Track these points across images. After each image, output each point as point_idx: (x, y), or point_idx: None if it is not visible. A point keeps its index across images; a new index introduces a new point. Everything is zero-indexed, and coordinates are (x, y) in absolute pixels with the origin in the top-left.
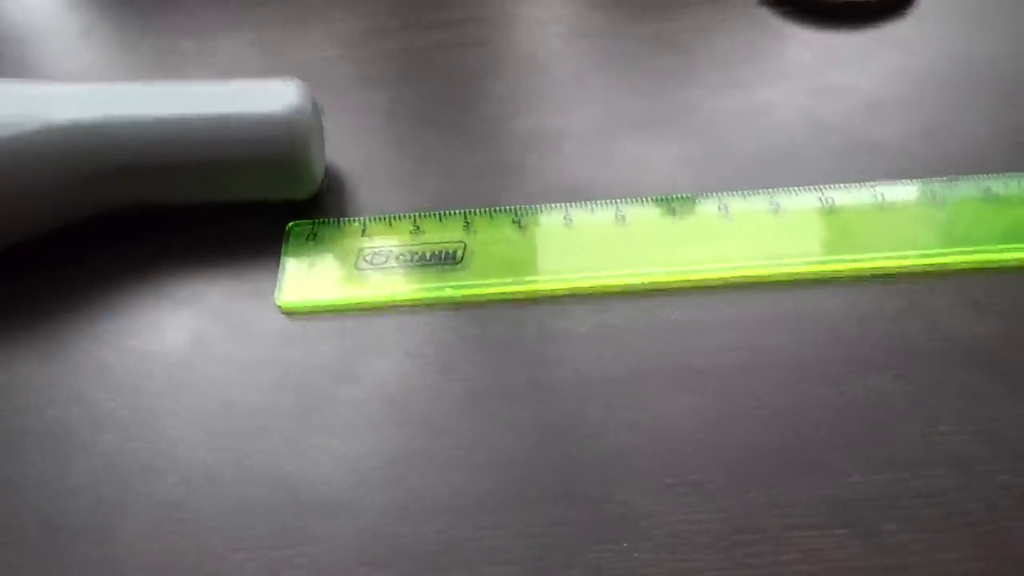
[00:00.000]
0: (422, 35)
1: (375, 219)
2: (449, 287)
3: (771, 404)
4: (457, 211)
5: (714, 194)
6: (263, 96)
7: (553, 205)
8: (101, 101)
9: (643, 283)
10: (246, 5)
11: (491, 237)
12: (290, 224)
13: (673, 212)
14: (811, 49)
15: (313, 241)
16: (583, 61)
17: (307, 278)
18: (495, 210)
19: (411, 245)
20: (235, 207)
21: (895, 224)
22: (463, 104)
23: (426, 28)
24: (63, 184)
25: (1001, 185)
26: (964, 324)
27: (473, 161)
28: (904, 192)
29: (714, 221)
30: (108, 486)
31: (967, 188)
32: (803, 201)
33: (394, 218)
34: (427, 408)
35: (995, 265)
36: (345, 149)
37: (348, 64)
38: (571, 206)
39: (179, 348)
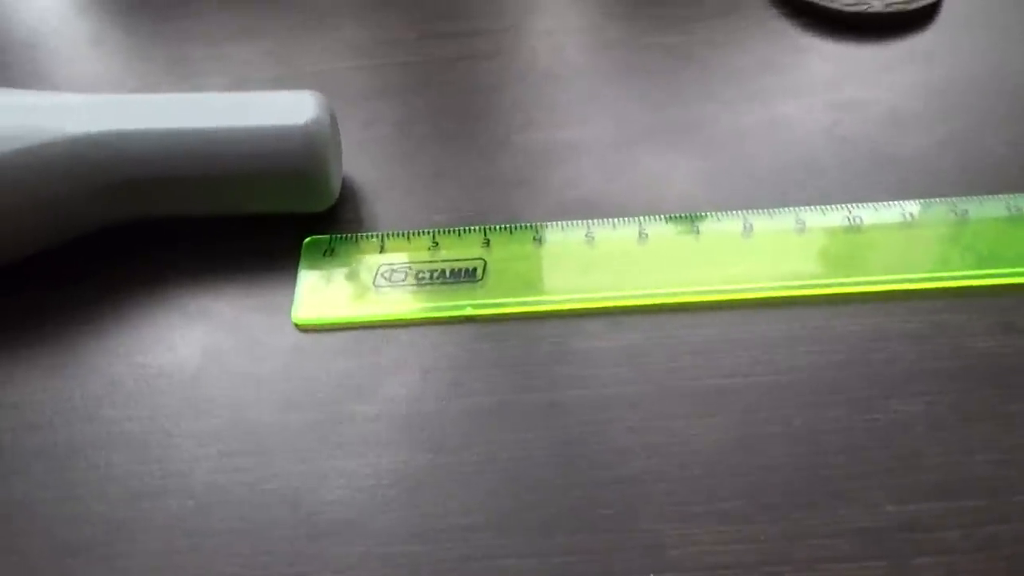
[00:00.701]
0: (435, 46)
1: (393, 235)
2: (469, 305)
3: (796, 428)
4: (476, 227)
5: (739, 212)
6: (281, 107)
7: (574, 222)
8: (115, 112)
9: (664, 302)
10: (257, 13)
11: (510, 254)
12: (307, 239)
13: (696, 230)
14: (831, 62)
15: (330, 256)
16: (598, 73)
17: (323, 294)
18: (515, 226)
19: (430, 262)
20: (250, 220)
21: (921, 243)
22: (477, 116)
23: (439, 39)
24: (76, 196)
25: None
26: (992, 346)
27: (488, 174)
28: (930, 210)
29: (737, 239)
30: (119, 507)
31: (993, 207)
32: (829, 219)
33: (412, 233)
34: (442, 427)
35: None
36: (359, 161)
37: (360, 74)
38: (592, 223)
39: (192, 364)
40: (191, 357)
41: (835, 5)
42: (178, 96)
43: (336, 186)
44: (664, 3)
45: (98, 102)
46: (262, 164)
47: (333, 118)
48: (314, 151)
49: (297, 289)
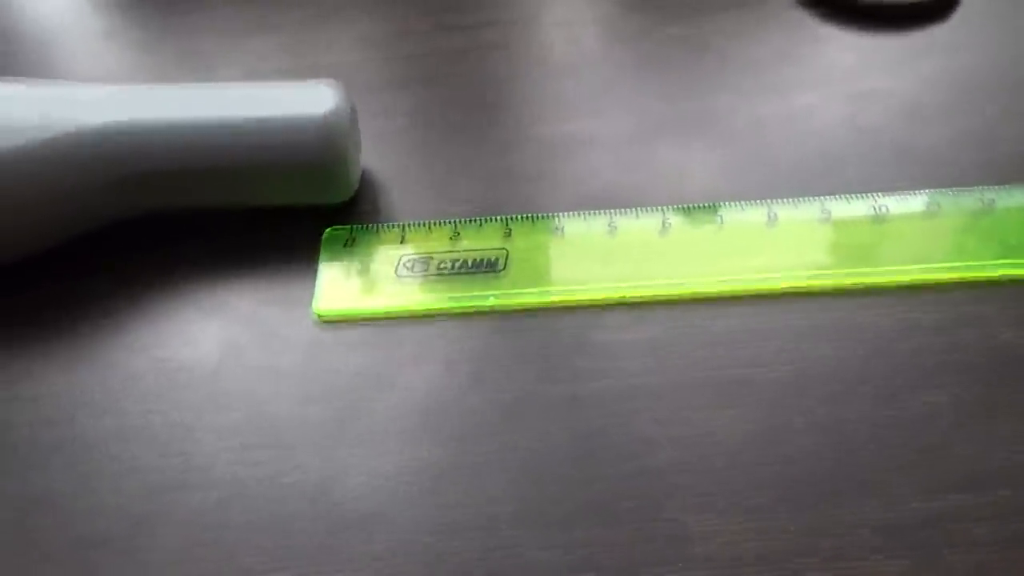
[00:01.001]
0: (448, 38)
1: (414, 225)
2: (492, 296)
3: (821, 420)
4: (497, 218)
5: (762, 202)
6: (299, 98)
7: (596, 212)
8: (133, 103)
9: (686, 293)
10: (269, 6)
11: (532, 244)
12: (327, 230)
13: (720, 220)
14: (850, 52)
15: (351, 247)
16: (614, 64)
17: (345, 285)
18: (536, 216)
19: (452, 252)
20: (267, 212)
21: (946, 233)
22: (491, 108)
23: (453, 30)
24: (91, 188)
25: None
26: (1018, 337)
27: (504, 166)
28: (955, 199)
29: (761, 229)
30: (139, 501)
31: (1019, 196)
32: (853, 209)
33: (433, 224)
34: (463, 419)
35: None
36: (375, 153)
37: (374, 66)
38: (615, 213)
39: (211, 358)
40: (210, 351)
41: None
42: (194, 87)
43: (356, 177)
44: None
45: (112, 93)
46: (280, 156)
47: (353, 109)
48: (333, 142)
49: (318, 281)
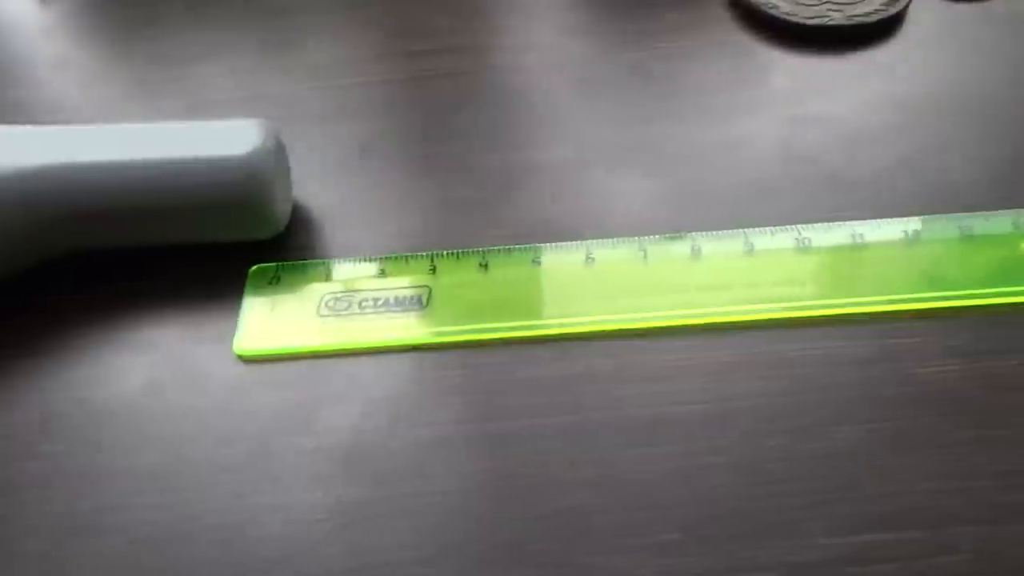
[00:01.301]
0: (397, 66)
1: (340, 261)
2: (412, 333)
3: (736, 457)
4: (423, 254)
5: (687, 235)
6: (224, 137)
7: (521, 246)
8: (57, 145)
9: (611, 328)
10: (222, 34)
11: (456, 280)
12: (253, 267)
13: (644, 253)
14: (792, 77)
15: (276, 284)
16: (559, 92)
17: (267, 324)
18: (461, 252)
19: (375, 290)
20: (195, 249)
21: (871, 265)
22: (437, 138)
23: (402, 58)
24: (18, 229)
25: (981, 223)
26: (939, 371)
27: (443, 198)
28: (881, 231)
29: (685, 263)
30: (54, 546)
31: (945, 227)
32: (777, 241)
33: (360, 260)
34: (380, 459)
35: (973, 309)
36: (315, 185)
37: (322, 94)
38: (540, 247)
39: (133, 399)
40: (133, 391)
41: (795, 18)
42: (122, 127)
43: (283, 214)
44: (628, 19)
45: (39, 134)
46: (204, 195)
47: (279, 146)
48: (257, 181)
49: (240, 319)
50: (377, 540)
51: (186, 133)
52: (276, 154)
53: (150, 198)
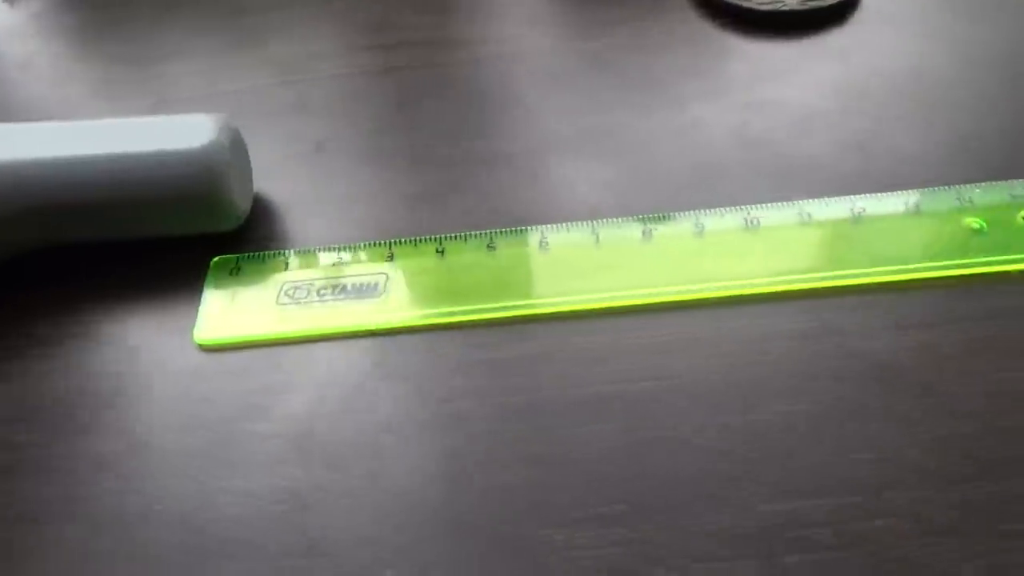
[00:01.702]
0: (358, 60)
1: (299, 252)
2: (369, 319)
3: (678, 432)
4: (381, 242)
5: (639, 218)
6: (181, 131)
7: (476, 233)
8: (14, 141)
9: (565, 310)
10: (187, 34)
11: (413, 267)
12: (214, 259)
13: (596, 237)
14: (748, 62)
15: (236, 275)
16: (517, 84)
17: (227, 313)
18: (419, 239)
19: (333, 278)
20: (157, 243)
21: (816, 242)
22: (396, 130)
23: (363, 52)
24: None
25: (927, 200)
26: (880, 344)
27: (405, 188)
28: (828, 209)
29: (636, 245)
30: (20, 531)
31: (892, 204)
32: (726, 222)
33: (319, 250)
34: (334, 442)
35: (916, 283)
36: (276, 178)
37: (282, 90)
38: (494, 233)
39: (97, 390)
40: (96, 383)
41: (750, 4)
42: (78, 123)
43: (243, 206)
44: (586, 9)
45: None
46: (162, 189)
47: (237, 139)
48: (212, 173)
49: (201, 309)
50: (331, 521)
51: (143, 128)
52: (232, 147)
53: (109, 193)
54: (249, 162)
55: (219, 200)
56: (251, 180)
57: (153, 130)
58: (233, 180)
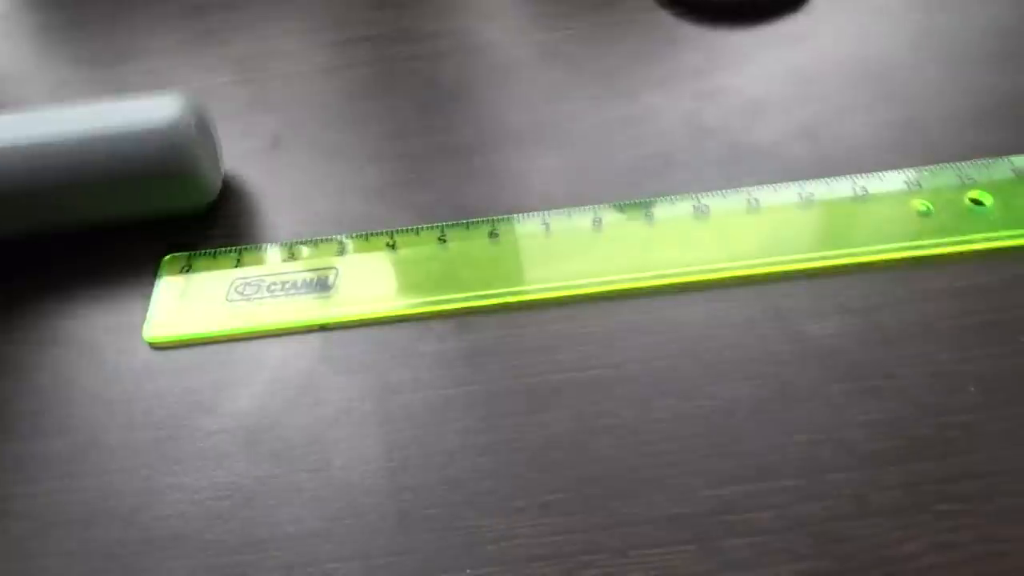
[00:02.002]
0: (314, 56)
1: (250, 248)
2: (318, 313)
3: (623, 420)
4: (333, 236)
5: (589, 208)
6: (145, 111)
7: (428, 227)
8: None
9: (512, 300)
10: (143, 33)
11: (364, 260)
12: (165, 256)
13: (547, 227)
14: (702, 51)
15: (188, 273)
16: (474, 76)
17: (177, 311)
18: (371, 233)
19: (283, 273)
20: (110, 239)
21: (766, 228)
22: (353, 125)
23: (318, 49)
24: None
25: (874, 183)
26: (827, 328)
27: (359, 182)
28: (776, 195)
29: (587, 235)
30: None
31: (840, 188)
32: (676, 210)
33: (271, 245)
34: (281, 437)
35: (863, 266)
36: (237, 174)
37: (241, 87)
38: (447, 226)
39: (45, 388)
40: (43, 380)
41: None
42: (44, 110)
43: (213, 183)
44: (541, 1)
45: None
46: (129, 166)
47: (203, 116)
48: (178, 149)
49: (151, 307)
50: (276, 515)
51: (107, 110)
52: (197, 122)
53: (77, 175)
54: (216, 139)
55: (186, 176)
56: (220, 157)
57: (118, 111)
58: (200, 155)
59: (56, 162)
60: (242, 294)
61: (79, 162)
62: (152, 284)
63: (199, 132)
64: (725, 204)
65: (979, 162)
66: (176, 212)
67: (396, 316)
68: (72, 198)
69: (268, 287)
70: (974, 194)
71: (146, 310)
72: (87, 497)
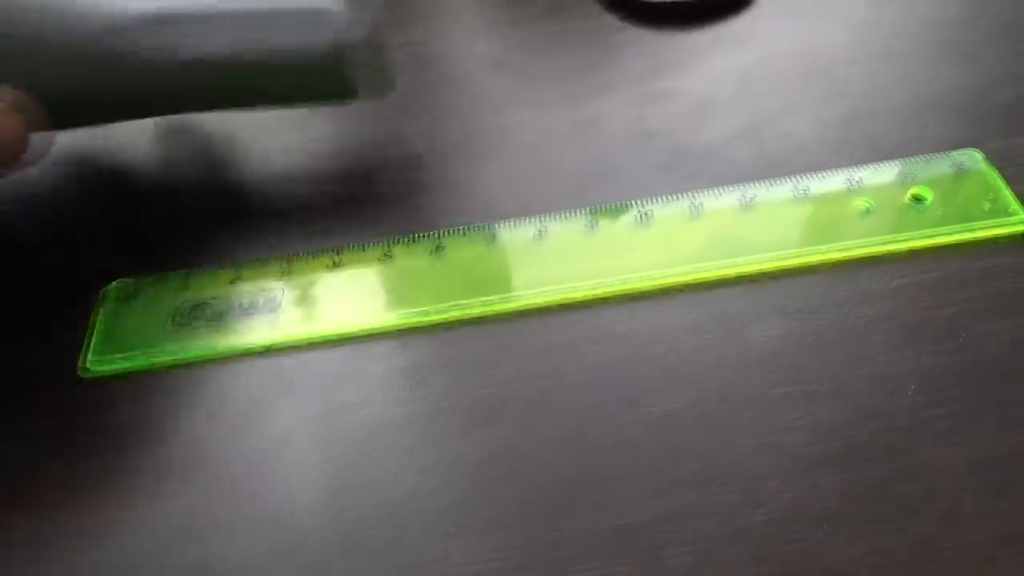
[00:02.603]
0: None
1: (197, 272)
2: (261, 336)
3: (568, 431)
4: (279, 256)
5: (533, 218)
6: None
7: (374, 243)
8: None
9: (452, 317)
10: None
11: (309, 280)
12: (113, 283)
13: (493, 238)
14: (646, 54)
15: (133, 300)
16: (416, 89)
17: (119, 340)
18: (316, 253)
19: (229, 296)
20: (50, 269)
21: (707, 234)
22: (297, 142)
23: None
24: (113, 80)
25: (816, 183)
26: (765, 331)
27: (305, 199)
28: (718, 200)
29: (530, 246)
30: None
31: (782, 190)
32: (619, 218)
33: (217, 269)
34: (222, 464)
35: (802, 268)
36: (180, 196)
37: None
38: (391, 242)
39: None
40: None
41: None
42: None
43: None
44: (488, 10)
45: None
46: (290, 47)
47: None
48: (340, 35)
49: (91, 338)
50: (213, 542)
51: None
52: (361, 17)
53: (243, 50)
54: (382, 48)
55: (343, 63)
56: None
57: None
58: (360, 49)
59: (229, 34)
60: (185, 320)
61: (247, 38)
62: (91, 315)
63: (360, 23)
64: (667, 210)
65: (920, 158)
66: (323, 102)
67: (338, 336)
68: (230, 74)
69: (212, 312)
70: (915, 191)
71: (83, 342)
72: (27, 537)
